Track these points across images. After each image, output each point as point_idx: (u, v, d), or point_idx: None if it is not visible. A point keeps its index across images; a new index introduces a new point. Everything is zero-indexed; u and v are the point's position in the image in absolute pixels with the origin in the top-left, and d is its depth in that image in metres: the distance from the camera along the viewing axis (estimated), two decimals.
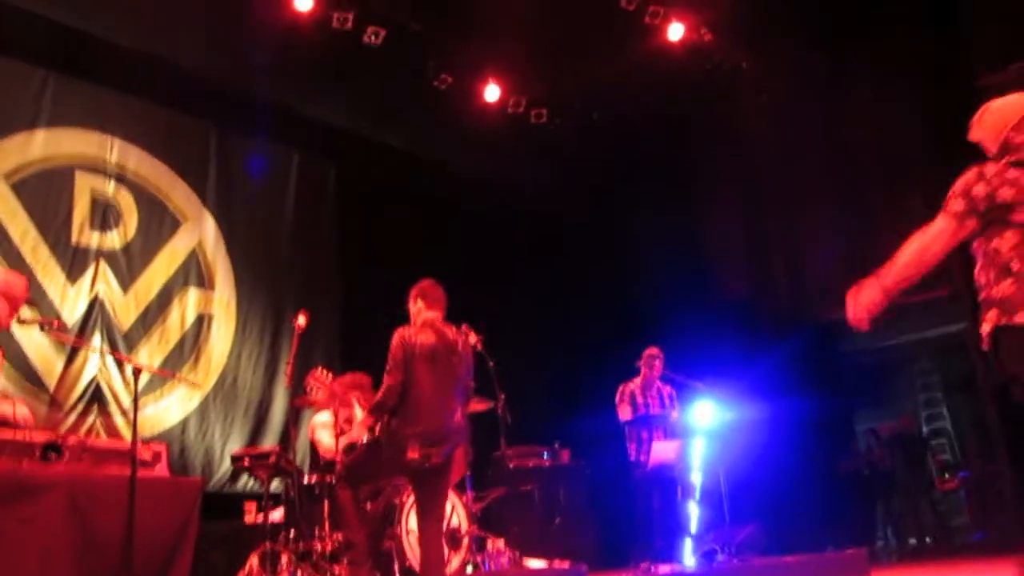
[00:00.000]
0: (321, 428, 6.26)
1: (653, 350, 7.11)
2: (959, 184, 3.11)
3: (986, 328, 3.05)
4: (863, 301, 3.26)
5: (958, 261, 8.82)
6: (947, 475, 10.52)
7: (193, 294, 7.78)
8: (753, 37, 9.30)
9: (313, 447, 6.48)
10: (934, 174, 9.10)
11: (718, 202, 11.05)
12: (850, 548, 7.15)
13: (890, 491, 10.90)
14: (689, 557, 6.47)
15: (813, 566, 6.60)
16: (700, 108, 10.19)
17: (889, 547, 10.40)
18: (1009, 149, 3.18)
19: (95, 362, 6.92)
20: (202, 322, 7.79)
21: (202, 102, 8.06)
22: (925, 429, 12.42)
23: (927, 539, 10.20)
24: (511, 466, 7.06)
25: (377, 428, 4.63)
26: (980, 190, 3.04)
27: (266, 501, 5.58)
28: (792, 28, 9.24)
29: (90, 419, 6.79)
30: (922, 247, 3.11)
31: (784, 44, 9.49)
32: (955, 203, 3.07)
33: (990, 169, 3.08)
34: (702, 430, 6.71)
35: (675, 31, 8.54)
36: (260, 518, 5.73)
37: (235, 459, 6.06)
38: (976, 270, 3.16)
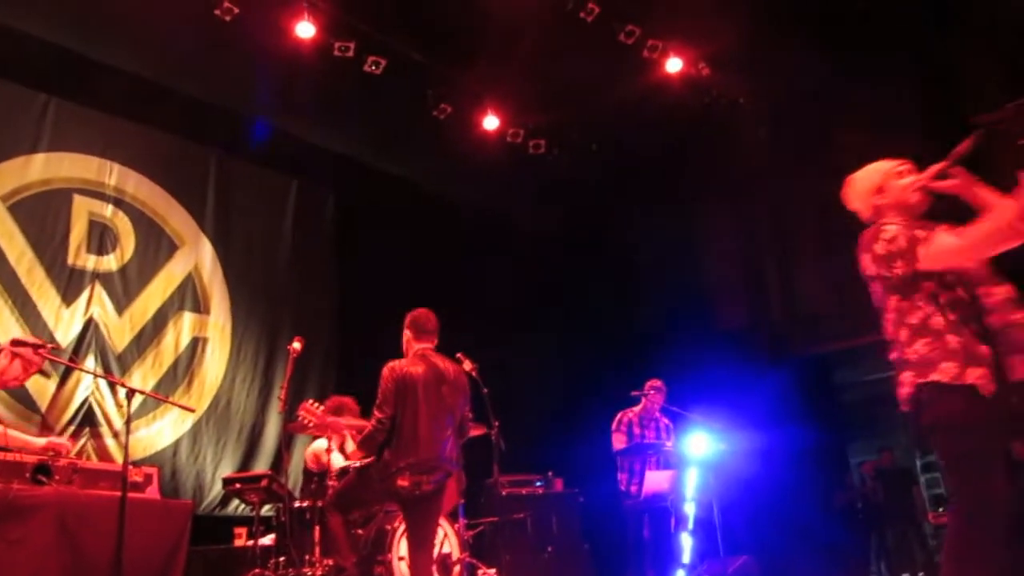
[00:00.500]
0: (322, 453, 6.24)
1: (656, 382, 7.11)
2: (892, 246, 3.10)
3: (905, 391, 3.00)
4: None
5: None
6: (940, 509, 10.48)
7: (188, 318, 7.79)
8: (751, 72, 9.40)
9: (307, 472, 6.45)
10: (929, 214, 9.17)
11: (716, 233, 11.12)
12: None
13: (883, 525, 10.86)
14: None
15: None
16: (698, 140, 10.26)
17: None
18: (880, 213, 3.33)
19: (87, 384, 6.91)
20: (196, 346, 7.79)
21: (202, 127, 8.13)
22: (919, 463, 12.39)
23: (920, 574, 10.15)
24: (504, 494, 7.03)
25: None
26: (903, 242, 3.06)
27: (257, 525, 5.55)
28: (790, 64, 9.34)
29: (81, 441, 6.76)
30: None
31: (781, 80, 9.59)
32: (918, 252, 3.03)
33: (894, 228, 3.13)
34: (696, 460, 6.70)
35: (673, 65, 8.62)
36: (250, 543, 5.69)
37: (227, 482, 6.04)
38: (888, 326, 3.13)
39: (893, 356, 3.09)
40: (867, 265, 3.21)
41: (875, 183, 3.38)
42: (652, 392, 7.03)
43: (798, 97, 9.76)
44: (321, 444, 6.25)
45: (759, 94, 9.54)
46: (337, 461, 5.95)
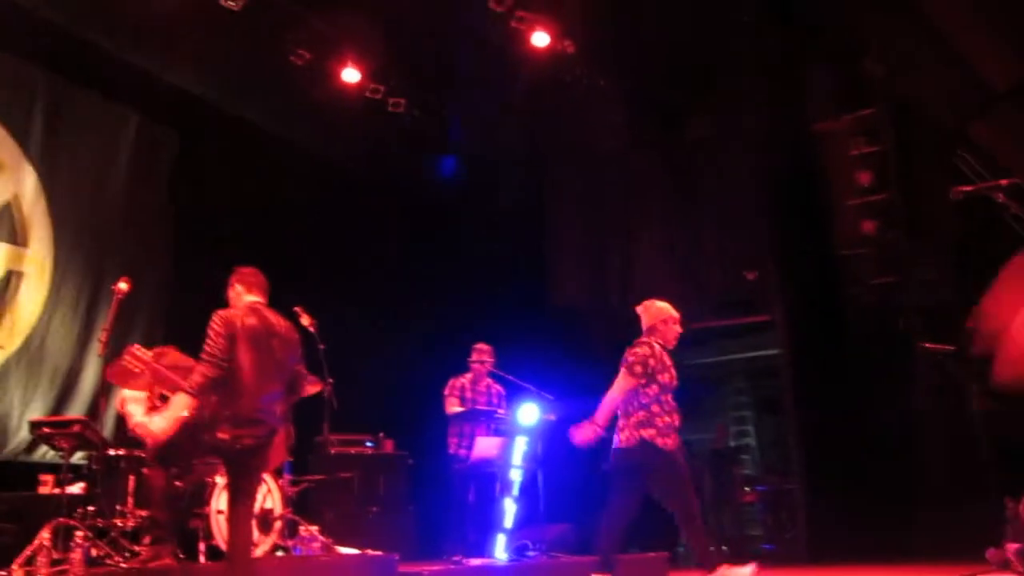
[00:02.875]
0: (132, 402, 5.94)
1: (481, 345, 7.20)
2: (639, 355, 5.27)
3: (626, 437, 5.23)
4: (586, 436, 5.27)
5: (780, 296, 9.40)
6: (747, 488, 11.18)
7: (3, 249, 7.24)
8: (611, 55, 9.61)
9: (121, 420, 6.16)
10: (764, 211, 9.75)
11: (564, 212, 11.34)
12: (653, 552, 7.48)
13: (703, 500, 11.48)
14: (501, 552, 6.58)
15: (617, 566, 6.87)
16: (556, 118, 10.42)
17: (688, 553, 10.95)
18: (651, 333, 5.45)
19: None
20: (10, 280, 7.25)
21: (32, 44, 7.51)
22: (732, 444, 13.18)
23: (723, 547, 10.81)
24: (332, 452, 6.97)
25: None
26: (652, 362, 5.24)
27: (65, 473, 5.26)
28: (647, 54, 9.62)
29: None
30: (613, 398, 5.23)
31: (639, 67, 9.86)
32: (637, 368, 5.22)
33: (655, 348, 5.32)
34: (525, 429, 6.85)
35: (540, 39, 8.68)
36: (57, 490, 5.39)
37: (34, 426, 5.68)
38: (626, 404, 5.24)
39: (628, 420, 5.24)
40: (626, 358, 5.30)
41: (661, 317, 5.47)
42: (478, 355, 7.13)
43: (653, 86, 10.08)
44: (132, 394, 5.94)
45: (617, 77, 9.76)
46: (137, 416, 5.72)
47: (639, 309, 5.59)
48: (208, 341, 4.30)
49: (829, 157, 9.65)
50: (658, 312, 5.49)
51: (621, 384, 5.20)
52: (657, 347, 5.34)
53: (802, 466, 9.15)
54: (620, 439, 5.24)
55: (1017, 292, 4.29)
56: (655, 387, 5.21)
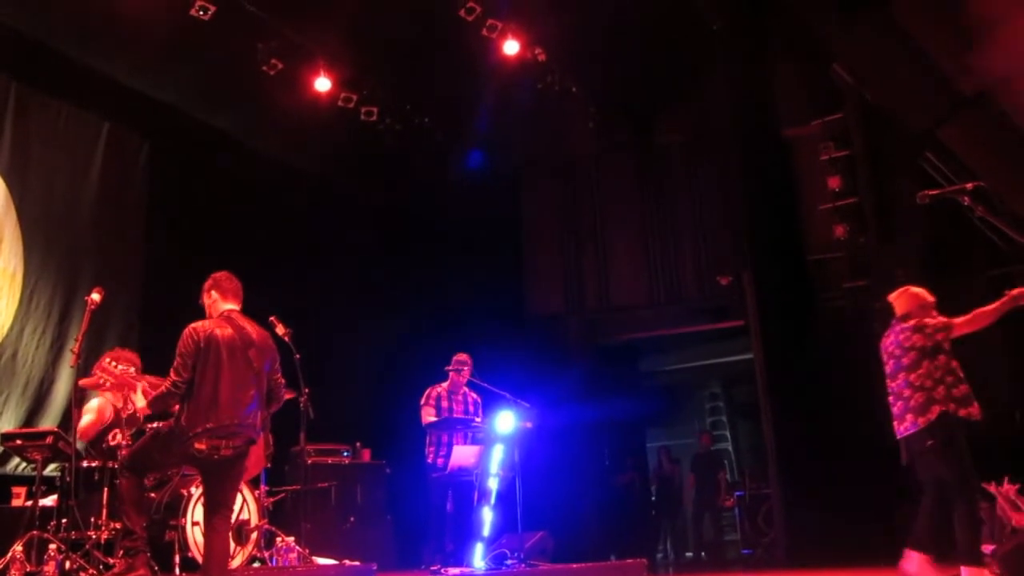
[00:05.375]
0: (86, 412, 5.87)
1: (462, 356, 7.16)
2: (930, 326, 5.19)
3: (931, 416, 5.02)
4: None
5: (753, 301, 9.44)
6: (725, 494, 11.24)
7: None
8: (584, 64, 9.68)
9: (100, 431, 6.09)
10: (736, 216, 9.82)
11: (539, 220, 11.38)
12: (631, 558, 7.49)
13: (677, 506, 11.54)
14: (479, 561, 6.56)
15: (595, 574, 6.88)
16: (530, 126, 10.46)
17: (667, 559, 11.00)
18: (912, 316, 5.27)
19: None
20: None
21: (3, 53, 7.43)
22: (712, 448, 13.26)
23: (702, 553, 10.88)
24: (309, 462, 6.93)
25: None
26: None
27: (38, 485, 5.20)
28: (620, 63, 9.69)
29: None
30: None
31: (612, 76, 9.94)
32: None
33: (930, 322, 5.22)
34: (502, 437, 6.84)
35: (510, 47, 8.73)
36: (29, 503, 5.33)
37: (6, 438, 5.61)
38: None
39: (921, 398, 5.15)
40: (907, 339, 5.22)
41: (919, 302, 5.33)
42: (458, 365, 7.10)
43: (624, 92, 10.16)
44: (91, 404, 5.86)
45: (589, 84, 9.83)
46: (83, 422, 5.65)
47: (893, 297, 5.47)
48: (176, 356, 4.29)
49: (799, 162, 9.77)
50: (914, 298, 5.38)
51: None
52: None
53: (779, 470, 9.20)
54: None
55: None
56: (943, 357, 5.13)
